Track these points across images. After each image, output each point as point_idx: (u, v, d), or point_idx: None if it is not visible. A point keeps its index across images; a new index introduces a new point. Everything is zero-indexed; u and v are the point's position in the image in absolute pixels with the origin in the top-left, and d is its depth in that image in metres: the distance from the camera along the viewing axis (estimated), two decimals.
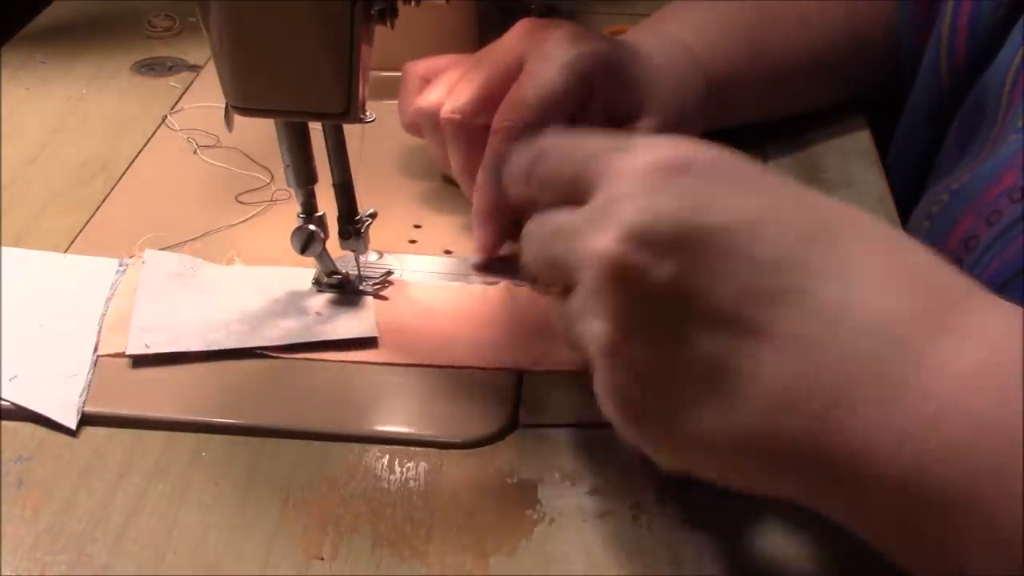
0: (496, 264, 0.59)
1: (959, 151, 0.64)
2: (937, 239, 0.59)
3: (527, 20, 0.62)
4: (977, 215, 0.57)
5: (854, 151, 0.70)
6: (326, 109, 0.51)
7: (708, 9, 0.69)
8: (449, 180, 0.65)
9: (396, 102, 0.67)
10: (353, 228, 0.56)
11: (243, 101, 0.51)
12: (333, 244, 0.56)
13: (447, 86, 0.61)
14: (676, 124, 0.63)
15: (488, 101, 0.59)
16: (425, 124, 0.62)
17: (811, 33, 0.70)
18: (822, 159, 0.70)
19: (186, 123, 0.73)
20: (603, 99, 0.61)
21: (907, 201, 0.67)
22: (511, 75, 0.59)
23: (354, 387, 0.52)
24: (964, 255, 0.56)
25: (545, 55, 0.59)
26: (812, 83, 0.71)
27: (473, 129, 0.59)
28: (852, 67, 0.72)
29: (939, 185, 0.63)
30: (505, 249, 0.59)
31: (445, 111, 0.59)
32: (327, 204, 0.55)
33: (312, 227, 0.54)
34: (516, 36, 0.61)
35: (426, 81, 0.64)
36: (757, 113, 0.70)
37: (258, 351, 0.53)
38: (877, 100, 0.75)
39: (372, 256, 0.59)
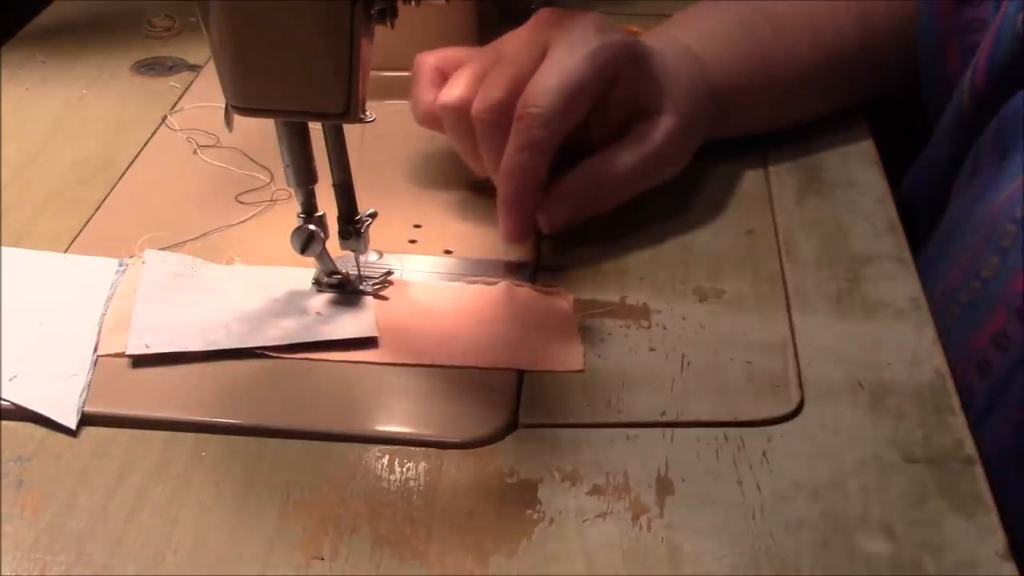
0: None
1: (996, 162, 0.62)
2: (1006, 276, 0.57)
3: (549, 10, 0.62)
4: None
5: (855, 151, 0.70)
6: (326, 109, 0.51)
7: (717, 19, 0.69)
8: (475, 180, 0.65)
9: (396, 102, 0.67)
10: (353, 228, 0.56)
11: (243, 101, 0.51)
12: (333, 244, 0.56)
13: (469, 81, 0.60)
14: (689, 125, 0.63)
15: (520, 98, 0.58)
16: (449, 119, 0.61)
17: (821, 47, 0.69)
18: (823, 159, 0.70)
19: (186, 123, 0.73)
20: (624, 91, 0.61)
21: (936, 210, 0.67)
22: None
23: (354, 387, 0.52)
24: None
25: (570, 43, 0.59)
26: (819, 96, 0.71)
27: (506, 125, 0.58)
28: (861, 79, 0.71)
29: (990, 204, 0.60)
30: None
31: (478, 110, 0.58)
32: (327, 204, 0.55)
33: (312, 227, 0.54)
34: (538, 26, 0.61)
35: (440, 73, 0.63)
36: (761, 124, 0.70)
37: (258, 351, 0.53)
38: (881, 102, 0.75)
39: (372, 256, 0.59)
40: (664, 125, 0.62)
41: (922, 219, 0.68)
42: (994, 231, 0.58)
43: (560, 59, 0.58)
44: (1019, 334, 0.54)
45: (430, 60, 0.64)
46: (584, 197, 0.61)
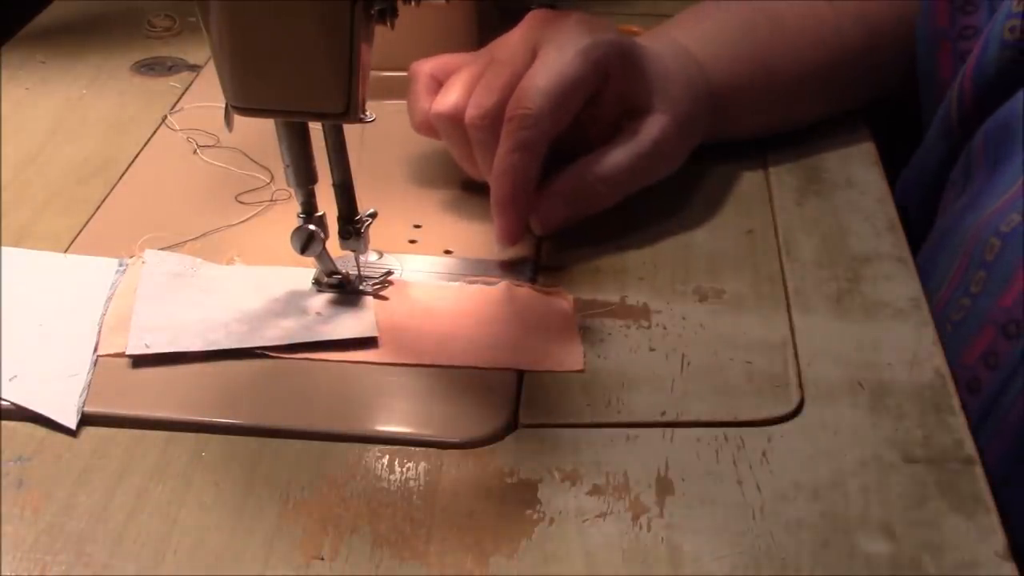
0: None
1: (988, 170, 0.62)
2: (995, 292, 0.57)
3: (539, 11, 0.62)
4: None
5: (855, 151, 0.70)
6: (326, 109, 0.51)
7: (716, 20, 0.69)
8: (469, 180, 0.65)
9: (396, 102, 0.67)
10: (353, 228, 0.56)
11: (243, 101, 0.51)
12: (333, 244, 0.56)
13: (463, 87, 0.60)
14: (684, 123, 0.63)
15: None
16: (444, 127, 0.61)
17: (822, 48, 0.69)
18: (823, 159, 0.70)
19: (186, 123, 0.73)
20: (616, 90, 0.61)
21: (926, 216, 0.67)
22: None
23: (354, 387, 0.52)
24: (1023, 317, 0.55)
25: (560, 43, 0.59)
26: (820, 97, 0.70)
27: (499, 130, 0.58)
28: (862, 79, 0.71)
29: (977, 216, 0.60)
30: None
31: (471, 117, 0.59)
32: (327, 204, 0.55)
33: (312, 227, 0.54)
34: (529, 28, 0.61)
35: (436, 80, 0.63)
36: (761, 126, 0.70)
37: (258, 351, 0.53)
38: (881, 103, 0.75)
39: (372, 256, 0.59)
40: (657, 123, 0.62)
41: (914, 225, 0.68)
42: (978, 244, 0.59)
43: (549, 59, 0.58)
44: (1007, 351, 0.54)
45: (425, 68, 0.64)
46: (577, 196, 0.61)
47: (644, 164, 0.62)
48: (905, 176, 0.72)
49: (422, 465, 0.48)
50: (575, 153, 0.61)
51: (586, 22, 0.60)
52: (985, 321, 0.56)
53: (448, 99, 0.60)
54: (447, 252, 0.61)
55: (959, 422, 0.50)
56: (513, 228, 0.59)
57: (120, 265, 0.59)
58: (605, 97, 0.61)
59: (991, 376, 0.55)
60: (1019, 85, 0.61)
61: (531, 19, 0.62)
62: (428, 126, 0.63)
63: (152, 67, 0.81)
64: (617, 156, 0.61)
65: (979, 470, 0.47)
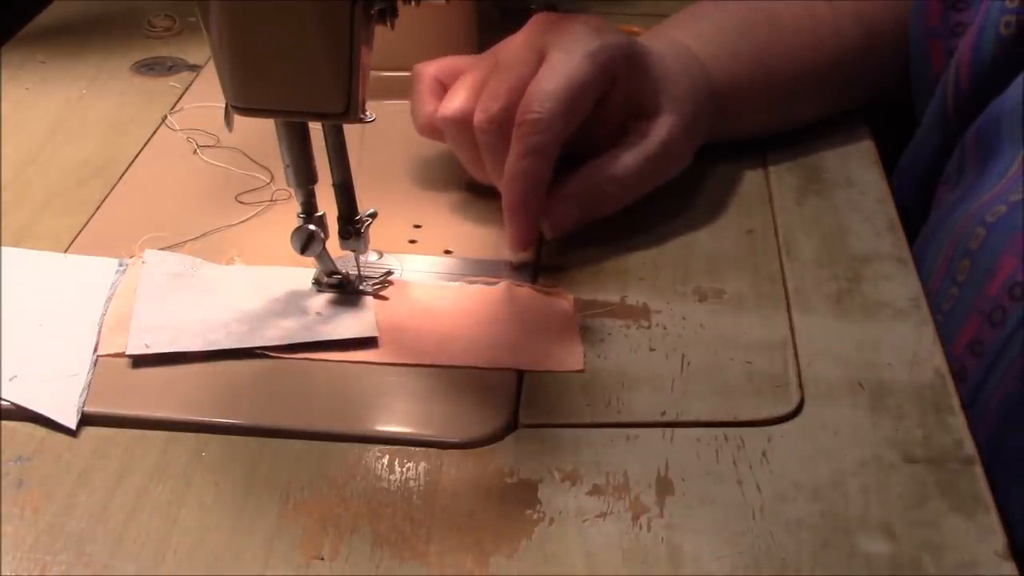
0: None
1: (980, 164, 0.62)
2: (980, 281, 0.57)
3: (543, 14, 0.62)
4: (1019, 258, 0.55)
5: (855, 151, 0.70)
6: (326, 109, 0.51)
7: (715, 20, 0.69)
8: (469, 180, 0.65)
9: (396, 102, 0.67)
10: (353, 228, 0.56)
11: (243, 101, 0.51)
12: (333, 244, 0.56)
13: (469, 91, 0.60)
14: (690, 124, 0.63)
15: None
16: (450, 131, 0.61)
17: (820, 48, 0.69)
18: (823, 159, 0.70)
19: (186, 123, 0.73)
20: (623, 92, 0.61)
21: (921, 209, 0.67)
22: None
23: (354, 387, 0.52)
24: (1008, 303, 0.55)
25: (567, 46, 0.59)
26: (818, 97, 0.70)
27: (507, 134, 0.58)
28: (860, 79, 0.71)
29: (967, 208, 0.60)
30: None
31: (479, 121, 0.59)
32: (327, 204, 0.55)
33: (312, 227, 0.54)
34: (533, 31, 0.61)
35: (440, 82, 0.63)
36: (760, 125, 0.70)
37: (258, 351, 0.53)
38: (880, 103, 0.75)
39: (372, 256, 0.59)
40: (664, 124, 0.62)
41: (909, 220, 0.68)
42: (964, 234, 0.59)
43: (558, 62, 0.58)
44: (991, 339, 0.55)
45: (429, 70, 0.64)
46: (587, 199, 0.61)
47: (653, 166, 0.62)
48: (899, 170, 0.72)
49: (422, 465, 0.48)
50: (582, 156, 0.61)
51: (591, 24, 0.60)
52: (971, 310, 0.57)
53: (454, 103, 0.60)
54: (447, 252, 0.61)
55: (959, 422, 0.50)
56: (525, 233, 0.59)
57: (120, 265, 0.59)
58: (612, 99, 0.61)
59: (976, 364, 0.55)
60: (1012, 79, 0.61)
61: (535, 22, 0.62)
62: (432, 128, 0.63)
63: (152, 67, 0.81)
64: (626, 158, 0.61)
65: (979, 470, 0.47)
